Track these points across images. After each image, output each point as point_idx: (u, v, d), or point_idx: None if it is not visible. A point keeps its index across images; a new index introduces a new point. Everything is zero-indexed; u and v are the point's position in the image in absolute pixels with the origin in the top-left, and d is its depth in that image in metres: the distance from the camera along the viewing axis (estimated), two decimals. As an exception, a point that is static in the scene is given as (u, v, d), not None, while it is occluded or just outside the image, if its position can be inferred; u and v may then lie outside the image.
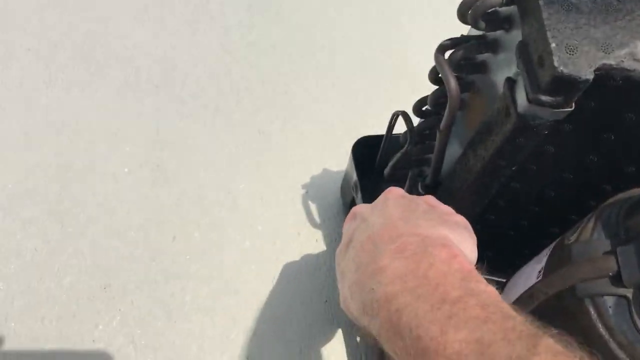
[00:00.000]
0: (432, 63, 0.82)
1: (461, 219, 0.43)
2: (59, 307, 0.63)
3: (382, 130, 0.78)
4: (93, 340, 0.62)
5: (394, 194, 0.44)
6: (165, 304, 0.65)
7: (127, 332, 0.63)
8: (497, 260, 0.62)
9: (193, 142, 0.75)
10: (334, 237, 0.71)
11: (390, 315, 0.34)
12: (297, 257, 0.70)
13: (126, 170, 0.72)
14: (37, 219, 0.67)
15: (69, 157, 0.71)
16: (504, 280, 0.65)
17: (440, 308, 0.32)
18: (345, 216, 0.71)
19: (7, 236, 0.66)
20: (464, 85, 0.47)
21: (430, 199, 0.45)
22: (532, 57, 0.36)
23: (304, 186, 0.74)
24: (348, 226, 0.46)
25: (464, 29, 0.49)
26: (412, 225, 0.39)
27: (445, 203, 0.53)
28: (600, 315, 0.36)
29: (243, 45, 0.82)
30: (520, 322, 0.30)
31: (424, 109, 0.52)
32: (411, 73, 0.85)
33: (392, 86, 0.83)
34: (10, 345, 0.60)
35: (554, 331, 0.30)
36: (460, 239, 0.40)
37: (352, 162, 0.64)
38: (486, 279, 0.66)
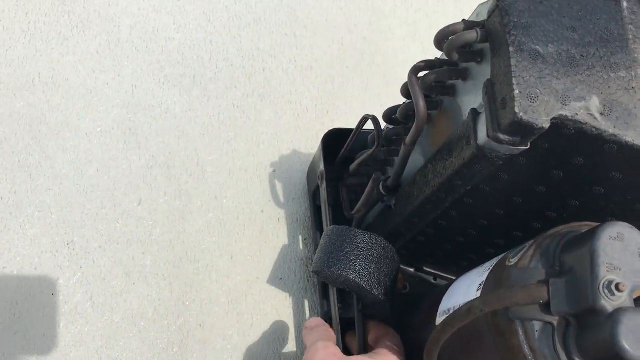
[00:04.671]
0: (408, 56, 0.85)
1: None
2: (21, 258, 0.65)
3: (353, 119, 0.81)
4: (52, 294, 0.65)
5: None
6: (125, 265, 0.68)
7: (86, 290, 0.66)
8: (444, 259, 0.66)
9: (167, 108, 0.76)
10: (295, 218, 0.74)
11: None
12: (257, 234, 0.72)
13: (99, 130, 0.73)
14: (5, 169, 0.68)
15: (42, 110, 0.72)
16: (453, 278, 0.69)
17: None
18: (309, 201, 0.74)
19: (-26, 184, 0.67)
20: (431, 104, 0.49)
21: None
22: (496, 97, 0.39)
23: (272, 165, 0.76)
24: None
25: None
26: None
27: (403, 206, 0.56)
28: (527, 337, 0.40)
29: (226, 16, 0.82)
30: None
31: (393, 116, 0.55)
32: (386, 65, 0.87)
33: (367, 76, 0.85)
34: (-30, 292, 0.62)
35: None
36: None
37: (321, 153, 0.66)
38: (433, 274, 0.70)
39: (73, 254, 0.67)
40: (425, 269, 0.70)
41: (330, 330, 0.60)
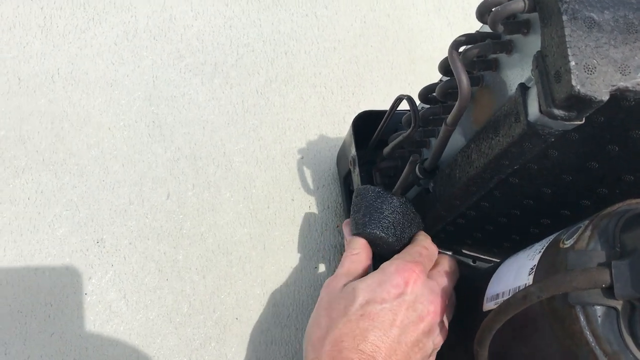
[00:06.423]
0: (433, 31, 0.82)
1: None
2: (52, 258, 0.64)
3: (379, 99, 0.78)
4: (85, 294, 0.64)
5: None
6: (157, 261, 0.66)
7: (120, 288, 0.64)
8: (485, 240, 0.64)
9: (190, 98, 0.74)
10: (326, 205, 0.72)
11: None
12: (289, 223, 0.71)
13: (122, 123, 0.71)
14: (30, 168, 0.67)
15: (63, 106, 0.70)
16: (495, 260, 0.67)
17: None
18: (340, 186, 0.72)
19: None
20: (473, 79, 0.47)
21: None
22: (549, 70, 0.37)
23: (300, 151, 0.74)
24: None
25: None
26: None
27: (442, 189, 0.54)
28: (589, 322, 0.38)
29: (244, 0, 0.80)
30: None
31: (430, 95, 0.52)
32: (412, 42, 0.84)
33: (392, 54, 0.82)
34: (2, 293, 0.61)
35: None
36: None
37: (352, 137, 0.64)
38: (473, 257, 0.68)
39: (103, 252, 0.65)
40: (464, 251, 0.68)
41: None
